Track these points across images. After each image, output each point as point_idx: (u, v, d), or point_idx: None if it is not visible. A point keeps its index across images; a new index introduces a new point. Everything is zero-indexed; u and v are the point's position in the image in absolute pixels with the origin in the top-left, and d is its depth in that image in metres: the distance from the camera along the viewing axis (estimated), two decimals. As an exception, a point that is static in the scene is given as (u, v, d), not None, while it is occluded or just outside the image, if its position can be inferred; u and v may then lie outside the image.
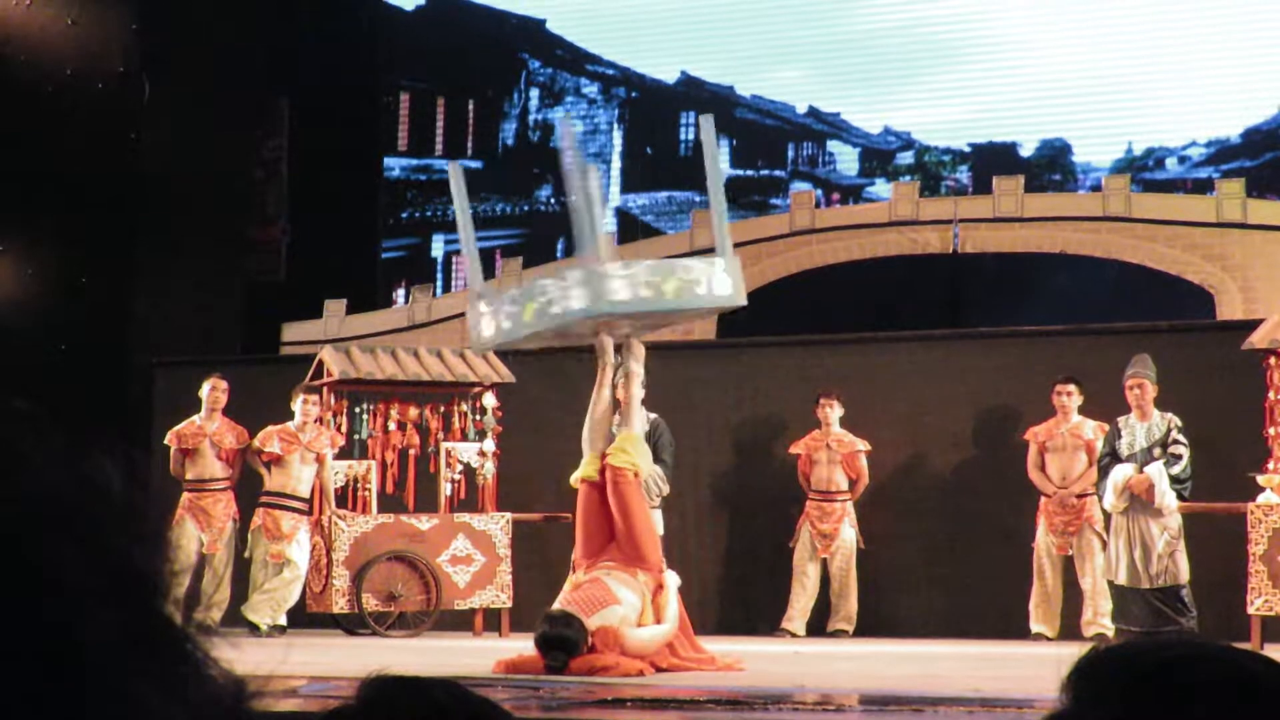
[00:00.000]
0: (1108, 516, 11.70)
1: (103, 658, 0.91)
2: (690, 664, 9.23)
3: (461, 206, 9.50)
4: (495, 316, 9.07)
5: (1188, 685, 1.25)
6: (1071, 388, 12.05)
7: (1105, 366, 12.23)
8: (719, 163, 9.40)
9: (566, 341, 9.86)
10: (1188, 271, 14.63)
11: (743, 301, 9.06)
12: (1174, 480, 11.30)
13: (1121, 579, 11.45)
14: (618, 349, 9.55)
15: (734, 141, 18.16)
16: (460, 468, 12.85)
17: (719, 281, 8.84)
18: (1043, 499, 12.11)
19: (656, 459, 12.34)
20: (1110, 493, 11.42)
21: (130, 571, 0.95)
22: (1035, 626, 12.01)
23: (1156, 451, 11.38)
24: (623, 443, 9.41)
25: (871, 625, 12.70)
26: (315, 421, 12.64)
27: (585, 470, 9.41)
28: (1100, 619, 11.74)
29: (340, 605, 12.39)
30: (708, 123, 9.19)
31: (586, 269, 8.68)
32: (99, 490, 0.96)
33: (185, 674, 0.96)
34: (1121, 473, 11.41)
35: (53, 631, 0.90)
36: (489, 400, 12.87)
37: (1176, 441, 11.37)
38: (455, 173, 9.70)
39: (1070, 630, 11.85)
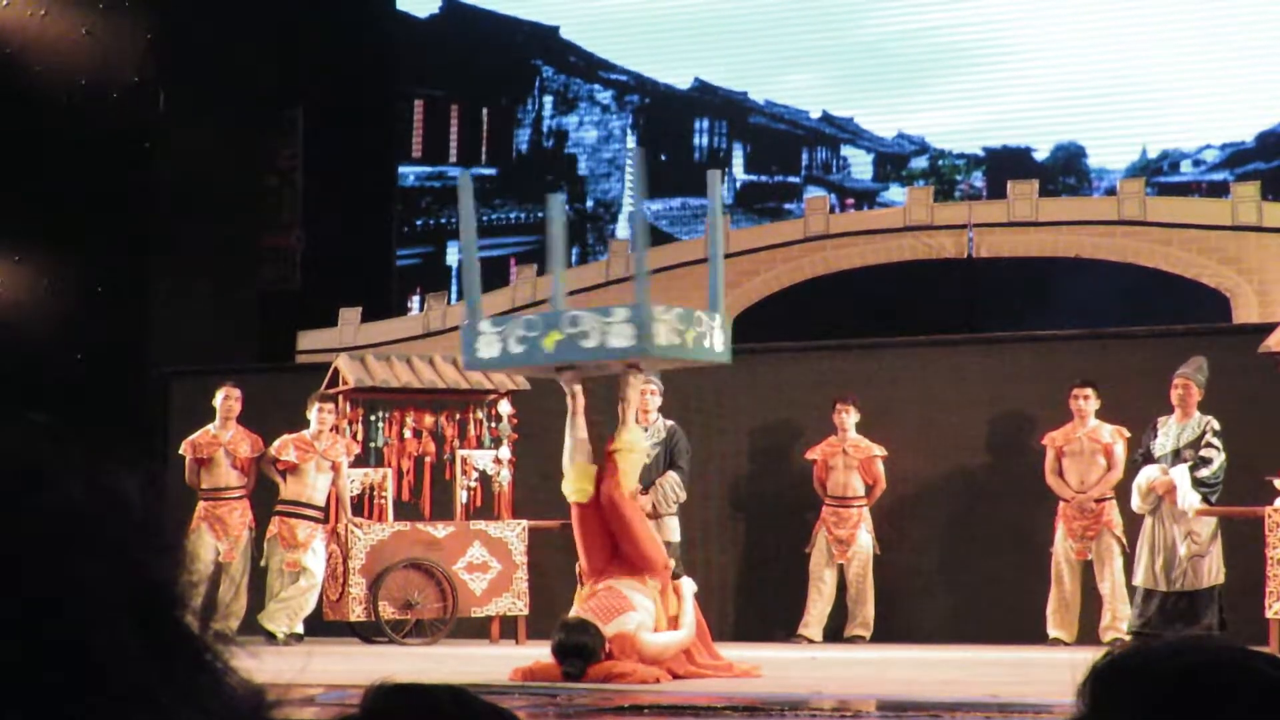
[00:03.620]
0: (1127, 520, 11.68)
1: (124, 668, 0.91)
2: (707, 670, 9.23)
3: (467, 218, 9.45)
4: (503, 339, 8.95)
5: (1205, 689, 1.25)
6: (1089, 392, 12.02)
7: (1121, 371, 12.21)
8: (721, 218, 9.59)
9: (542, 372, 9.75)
10: (1203, 275, 14.61)
11: (728, 360, 9.34)
12: (1200, 483, 11.26)
13: (1138, 580, 11.45)
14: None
15: (748, 147, 18.17)
16: (476, 475, 12.85)
17: (716, 338, 9.05)
18: (1061, 504, 12.07)
19: (673, 465, 12.35)
20: (1135, 494, 11.43)
21: (149, 583, 0.95)
22: (1053, 632, 11.98)
23: (1187, 453, 11.35)
24: (619, 441, 9.30)
25: (888, 631, 12.68)
26: (331, 430, 12.64)
27: (576, 485, 9.31)
28: (1118, 624, 11.72)
29: (357, 613, 12.40)
30: (714, 178, 9.45)
31: (635, 309, 8.71)
32: (117, 503, 0.97)
33: (205, 683, 0.96)
34: (1146, 474, 11.41)
35: (75, 643, 0.90)
36: (504, 407, 12.88)
37: (1209, 445, 11.32)
38: (465, 185, 9.61)
39: (1088, 635, 11.82)
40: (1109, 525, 11.87)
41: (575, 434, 9.40)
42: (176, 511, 1.03)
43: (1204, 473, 11.28)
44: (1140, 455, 11.60)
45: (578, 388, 9.40)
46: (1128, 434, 11.85)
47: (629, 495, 9.36)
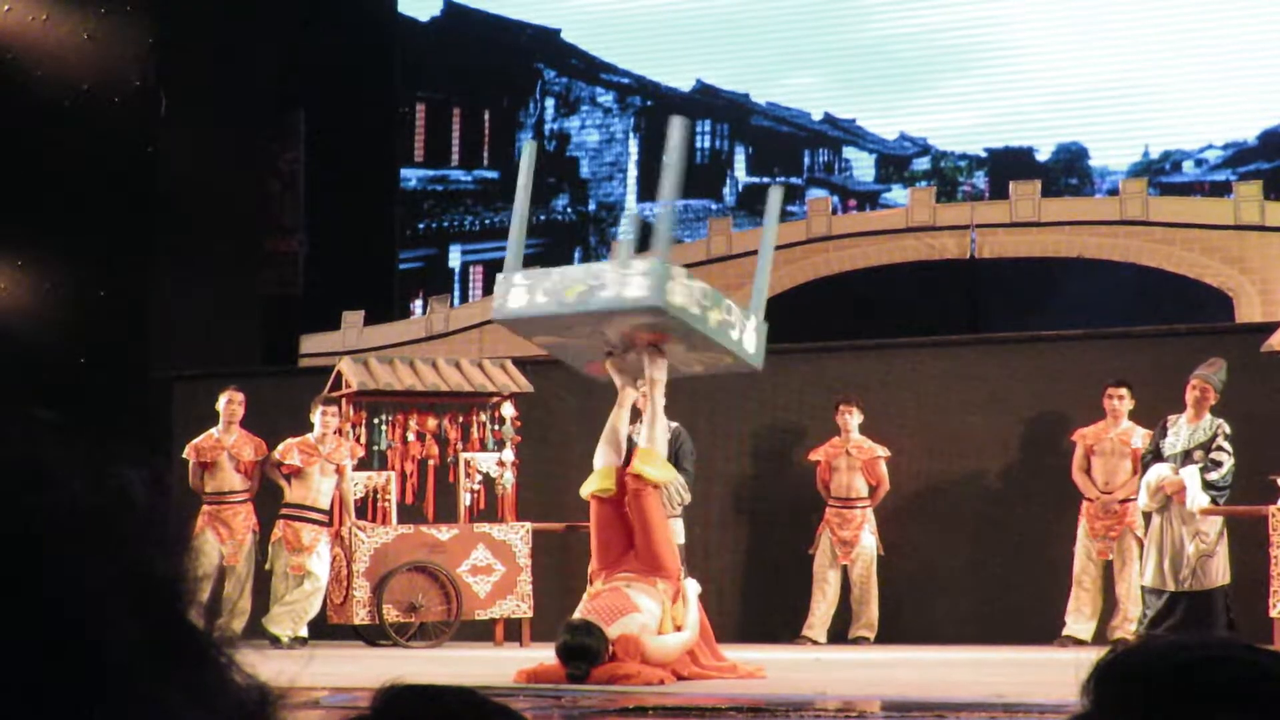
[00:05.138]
0: (1148, 520, 11.66)
1: (129, 665, 0.91)
2: (711, 672, 9.23)
3: (524, 185, 9.29)
4: (531, 290, 8.85)
5: (1210, 686, 1.24)
6: (1123, 391, 11.94)
7: (1125, 370, 12.20)
8: (774, 233, 9.53)
9: (573, 356, 9.67)
10: (1206, 274, 14.60)
11: (759, 366, 9.23)
12: (1209, 486, 11.23)
13: (1147, 580, 11.43)
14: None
15: (750, 149, 18.16)
16: (479, 478, 12.85)
17: (748, 337, 8.97)
18: (1084, 503, 12.02)
19: (678, 468, 12.32)
20: (1143, 492, 11.42)
21: (154, 579, 0.95)
22: (1069, 630, 11.91)
23: (1197, 455, 11.32)
24: (644, 457, 9.39)
25: (893, 632, 12.68)
26: (334, 433, 12.65)
27: (599, 485, 9.37)
28: (1128, 624, 11.69)
29: (361, 616, 12.40)
30: (777, 193, 9.41)
31: (654, 262, 8.66)
32: (121, 499, 0.97)
33: (210, 680, 0.96)
34: (1155, 473, 11.38)
35: (79, 640, 0.90)
36: (507, 410, 12.88)
37: (1220, 448, 11.29)
38: (528, 153, 9.49)
39: (1104, 636, 11.78)
40: (1131, 526, 11.83)
41: (616, 421, 9.44)
42: (181, 508, 1.03)
43: (1214, 476, 11.25)
44: (1149, 454, 11.57)
45: (629, 390, 9.43)
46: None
47: (656, 491, 9.42)
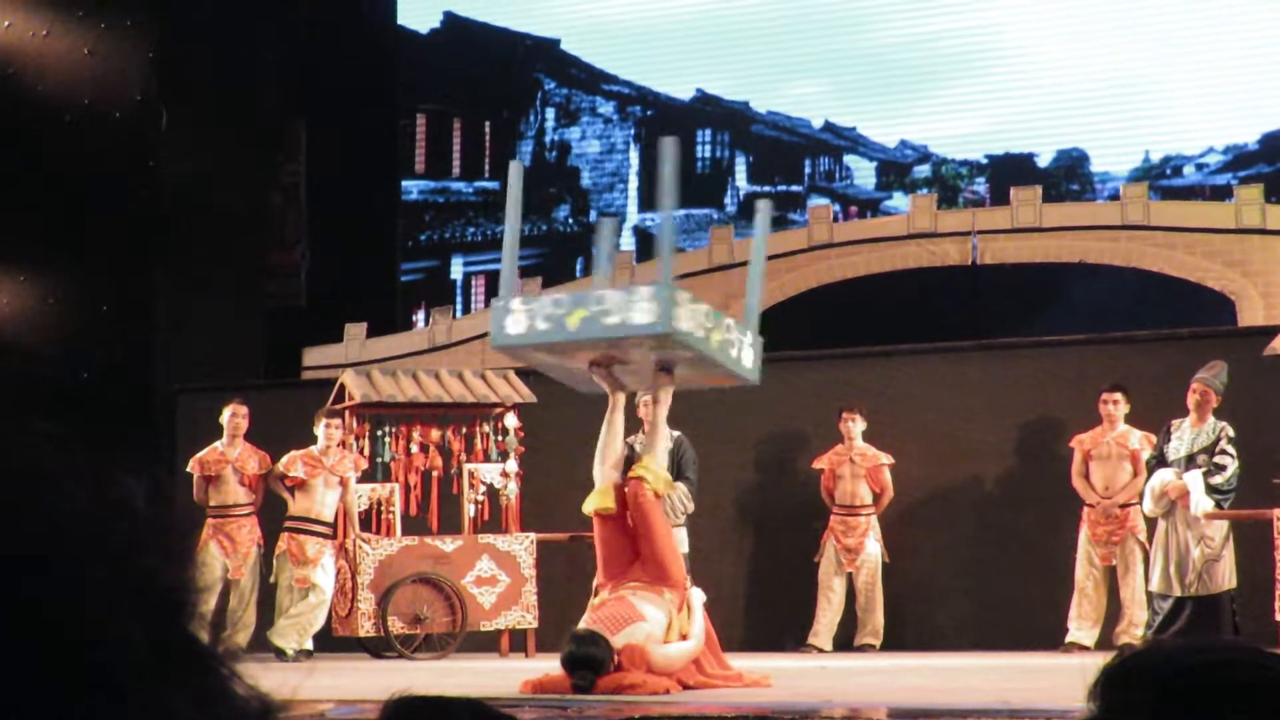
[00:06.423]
0: (1151, 525, 11.64)
1: (131, 672, 0.91)
2: (717, 681, 9.21)
3: (514, 207, 9.29)
4: (530, 316, 8.82)
5: (1216, 689, 1.24)
6: (1118, 396, 11.94)
7: (1128, 375, 12.19)
8: (764, 246, 9.57)
9: (569, 376, 9.60)
10: (1208, 278, 14.60)
11: (757, 381, 9.22)
12: (1213, 490, 11.22)
13: (1153, 585, 11.42)
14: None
15: (751, 157, 18.17)
16: (483, 489, 12.85)
17: (746, 354, 8.96)
18: (1085, 508, 12.01)
19: (681, 476, 12.33)
20: (1148, 497, 11.41)
21: (156, 588, 0.95)
22: (1072, 636, 11.89)
23: (1201, 459, 11.31)
24: (644, 465, 9.38)
25: (898, 639, 12.66)
26: (338, 445, 12.65)
27: (600, 502, 9.33)
28: (1133, 629, 11.67)
29: (366, 628, 12.39)
30: (764, 207, 9.42)
31: (659, 287, 8.64)
32: (123, 508, 0.97)
33: (213, 688, 0.96)
34: (1160, 478, 11.38)
35: (81, 647, 0.90)
36: (511, 421, 12.88)
37: (1224, 452, 11.28)
38: (515, 171, 9.45)
39: (1107, 642, 11.77)
40: (1133, 530, 11.82)
41: (609, 435, 9.40)
42: (184, 517, 1.03)
43: (1217, 479, 11.24)
44: (1153, 459, 11.56)
45: (620, 395, 9.42)
46: (1155, 440, 11.77)
47: (657, 501, 9.39)
